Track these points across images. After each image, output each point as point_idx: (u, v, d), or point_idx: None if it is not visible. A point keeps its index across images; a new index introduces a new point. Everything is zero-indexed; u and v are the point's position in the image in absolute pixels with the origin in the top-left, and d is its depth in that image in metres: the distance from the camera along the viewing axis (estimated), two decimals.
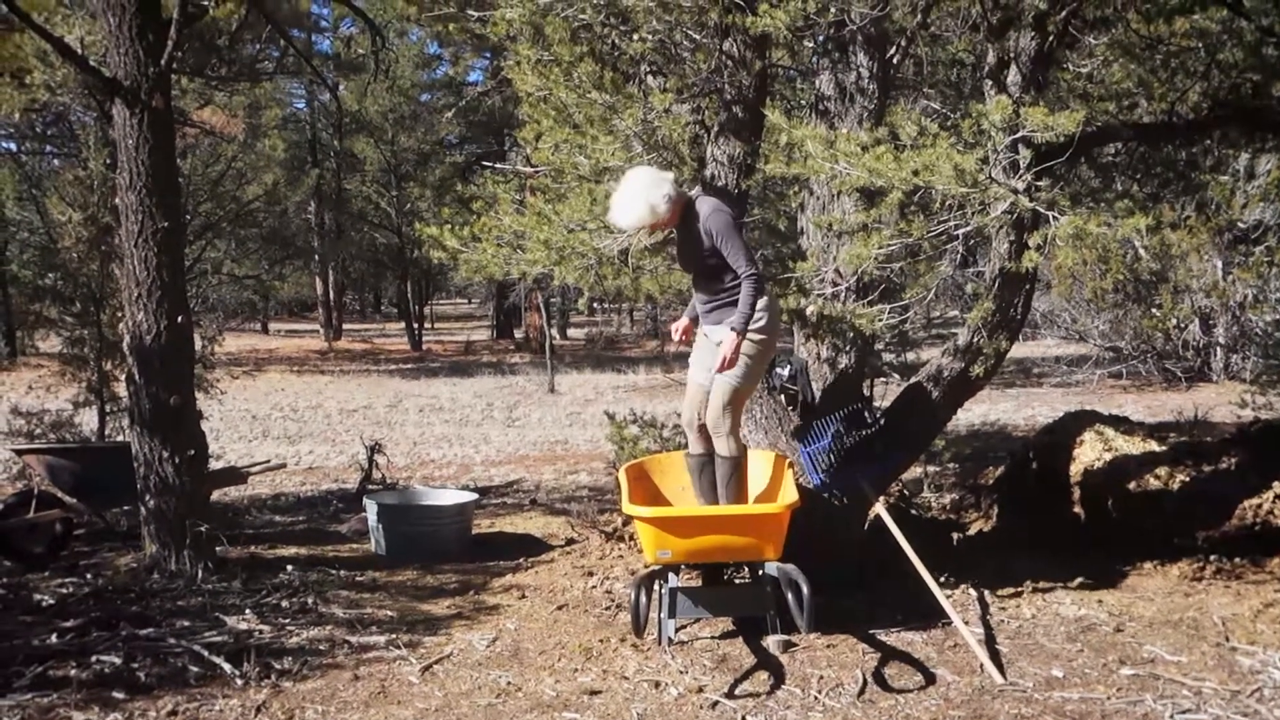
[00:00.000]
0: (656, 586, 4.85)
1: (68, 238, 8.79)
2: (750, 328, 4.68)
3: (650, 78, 5.88)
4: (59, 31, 6.84)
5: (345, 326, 38.18)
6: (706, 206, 4.81)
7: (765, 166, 5.21)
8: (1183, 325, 16.81)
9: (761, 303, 4.70)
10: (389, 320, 45.16)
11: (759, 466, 5.23)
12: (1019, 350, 23.88)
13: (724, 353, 4.66)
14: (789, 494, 4.89)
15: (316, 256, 32.19)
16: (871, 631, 4.95)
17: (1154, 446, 6.67)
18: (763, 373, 5.18)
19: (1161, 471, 6.37)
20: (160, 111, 5.97)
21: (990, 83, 5.16)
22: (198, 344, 10.42)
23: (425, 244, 6.34)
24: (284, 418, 16.16)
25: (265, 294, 29.90)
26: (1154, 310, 15.56)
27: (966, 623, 4.85)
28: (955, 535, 6.84)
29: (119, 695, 4.25)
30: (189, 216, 17.53)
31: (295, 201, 26.00)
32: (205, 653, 4.68)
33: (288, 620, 5.29)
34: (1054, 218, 4.47)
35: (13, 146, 23.06)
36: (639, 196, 4.74)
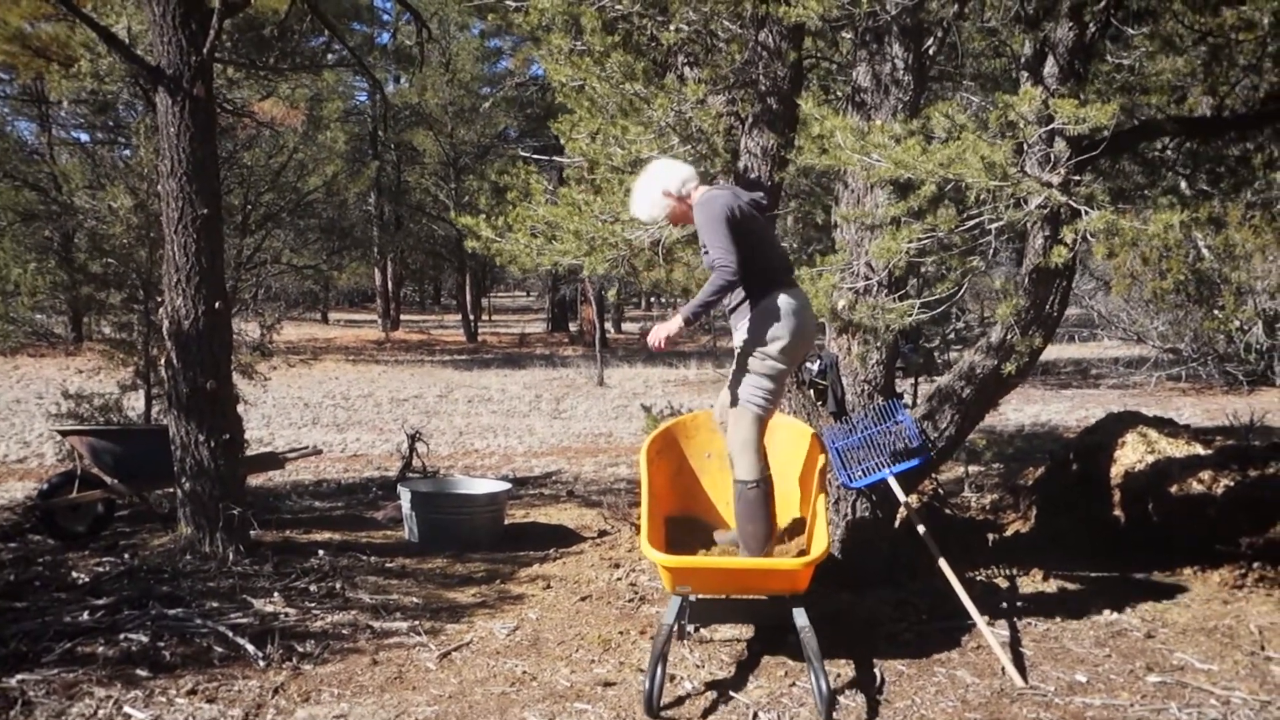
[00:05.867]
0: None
1: (119, 224, 8.95)
2: (772, 348, 4.35)
3: (687, 69, 5.84)
4: (106, 20, 6.97)
5: (403, 318, 38.62)
6: (702, 198, 4.46)
7: (797, 158, 5.15)
8: (1245, 328, 16.35)
9: (788, 324, 4.36)
10: (447, 312, 45.57)
11: (795, 442, 4.91)
12: (1076, 351, 23.46)
13: (657, 335, 4.33)
14: (819, 541, 4.40)
15: (375, 248, 32.56)
16: (894, 630, 4.88)
17: (1199, 450, 6.50)
18: (783, 394, 4.81)
19: (1205, 475, 6.20)
20: (201, 100, 6.06)
21: (1026, 74, 5.05)
22: (257, 332, 10.64)
23: (465, 233, 6.38)
24: (334, 405, 16.37)
25: (325, 284, 30.27)
26: (1216, 312, 15.14)
27: (992, 624, 4.76)
28: (990, 536, 6.72)
29: (142, 673, 4.32)
30: (250, 206, 17.78)
31: (355, 193, 26.25)
32: (230, 634, 4.74)
33: (314, 604, 5.34)
34: (1086, 212, 4.36)
35: (84, 137, 23.63)
36: (643, 190, 4.63)
